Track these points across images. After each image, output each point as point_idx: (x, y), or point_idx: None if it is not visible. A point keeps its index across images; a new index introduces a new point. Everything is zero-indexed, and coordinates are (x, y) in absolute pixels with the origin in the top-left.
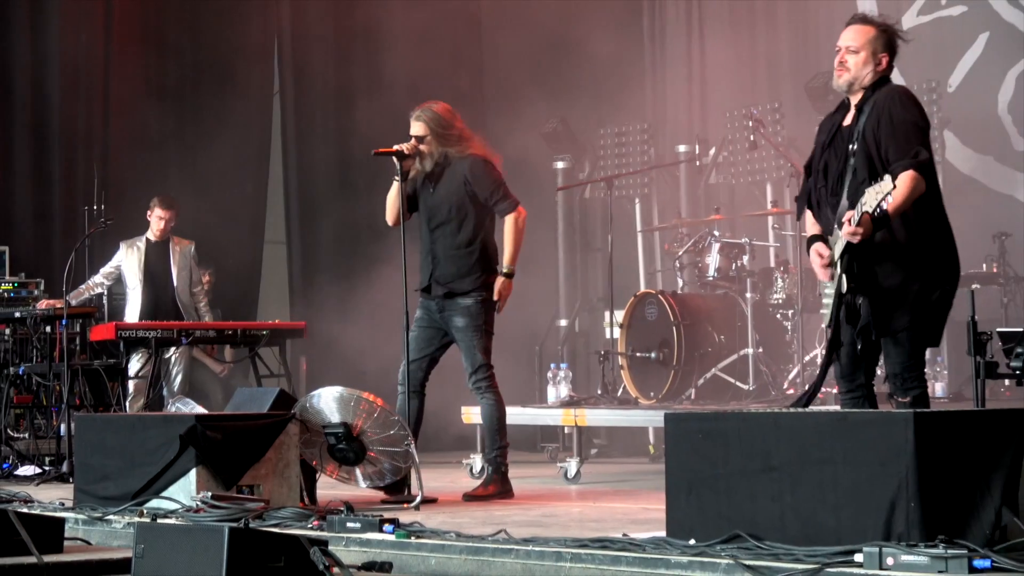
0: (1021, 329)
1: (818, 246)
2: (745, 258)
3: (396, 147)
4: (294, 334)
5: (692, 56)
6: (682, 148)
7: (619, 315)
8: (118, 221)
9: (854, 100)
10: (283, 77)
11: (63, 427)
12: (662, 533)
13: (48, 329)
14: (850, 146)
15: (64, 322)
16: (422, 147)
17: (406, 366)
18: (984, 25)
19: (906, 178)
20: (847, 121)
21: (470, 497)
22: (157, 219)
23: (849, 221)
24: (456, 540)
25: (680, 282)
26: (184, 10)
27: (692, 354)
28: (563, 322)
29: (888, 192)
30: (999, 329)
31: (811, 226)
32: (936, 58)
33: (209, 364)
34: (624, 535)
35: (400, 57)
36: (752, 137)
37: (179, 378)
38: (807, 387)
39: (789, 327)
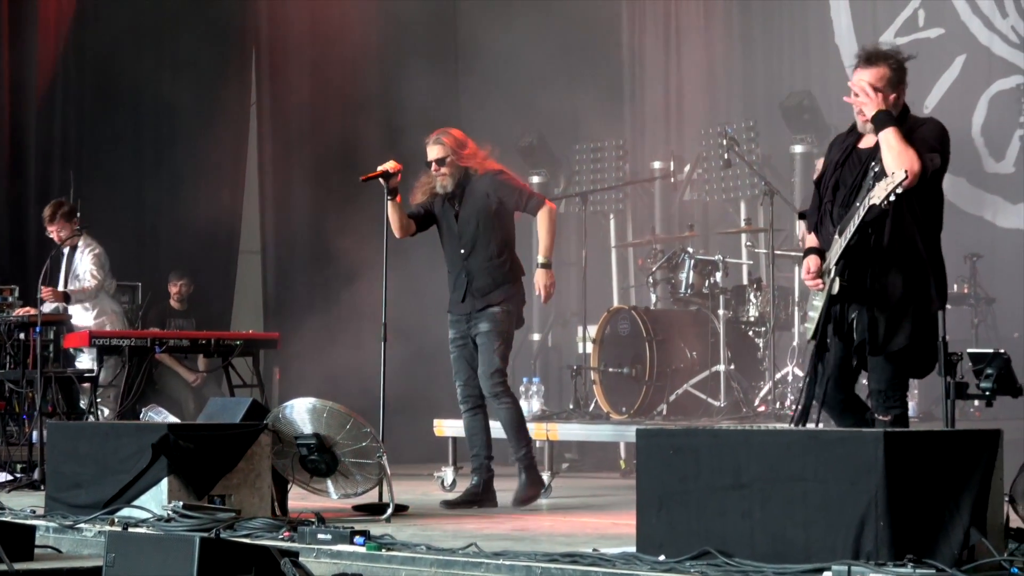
0: (991, 350)
1: (811, 257)
2: (718, 275)
3: (380, 168)
4: (268, 344)
5: (668, 74)
6: (657, 165)
7: (592, 330)
8: (92, 228)
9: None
10: (260, 88)
11: (35, 434)
12: (632, 548)
13: (22, 336)
14: (871, 163)
15: (39, 329)
16: (443, 169)
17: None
18: (961, 48)
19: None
20: (864, 144)
21: (519, 502)
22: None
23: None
24: (427, 553)
25: (653, 298)
26: (163, 20)
27: (664, 370)
28: (536, 336)
29: (899, 182)
30: (970, 350)
31: (810, 240)
32: (913, 79)
33: (182, 373)
34: (594, 550)
35: (376, 70)
36: (726, 155)
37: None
38: (798, 406)
39: (761, 344)
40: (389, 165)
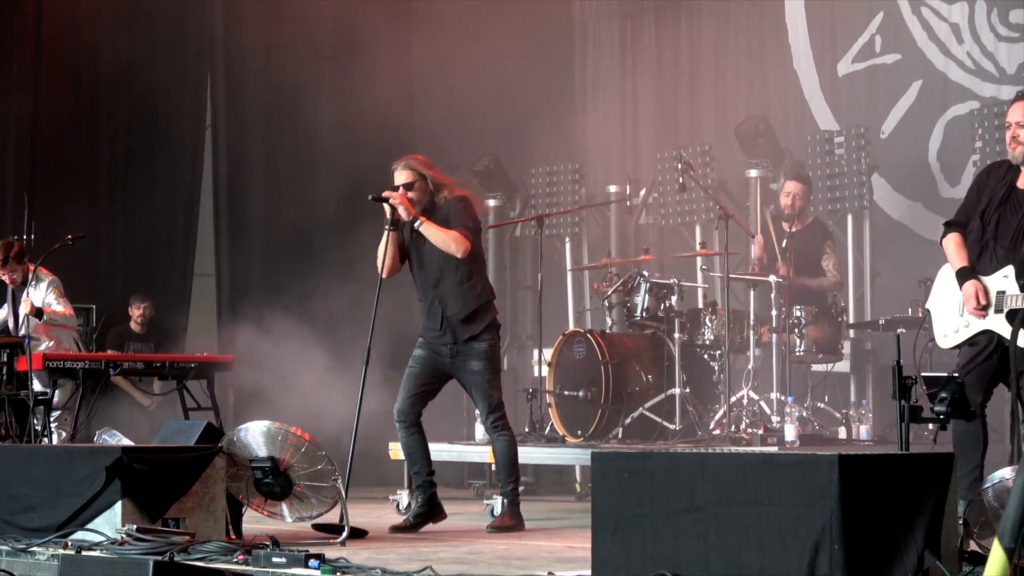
0: (945, 374)
1: (976, 284)
2: (674, 299)
3: (386, 194)
4: (222, 367)
5: (623, 97)
6: (612, 188)
7: (548, 353)
8: (50, 249)
9: None
10: (215, 110)
11: None
12: (587, 572)
13: None
14: None
15: None
16: (410, 194)
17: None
18: (917, 73)
19: None
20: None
21: (493, 529)
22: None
23: None
24: None
25: (609, 321)
26: (116, 41)
27: (620, 393)
28: None
29: None
30: (924, 374)
31: (962, 256)
32: (869, 105)
33: (137, 397)
34: (549, 573)
35: (332, 94)
36: (681, 179)
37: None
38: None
39: (716, 368)
40: (396, 197)
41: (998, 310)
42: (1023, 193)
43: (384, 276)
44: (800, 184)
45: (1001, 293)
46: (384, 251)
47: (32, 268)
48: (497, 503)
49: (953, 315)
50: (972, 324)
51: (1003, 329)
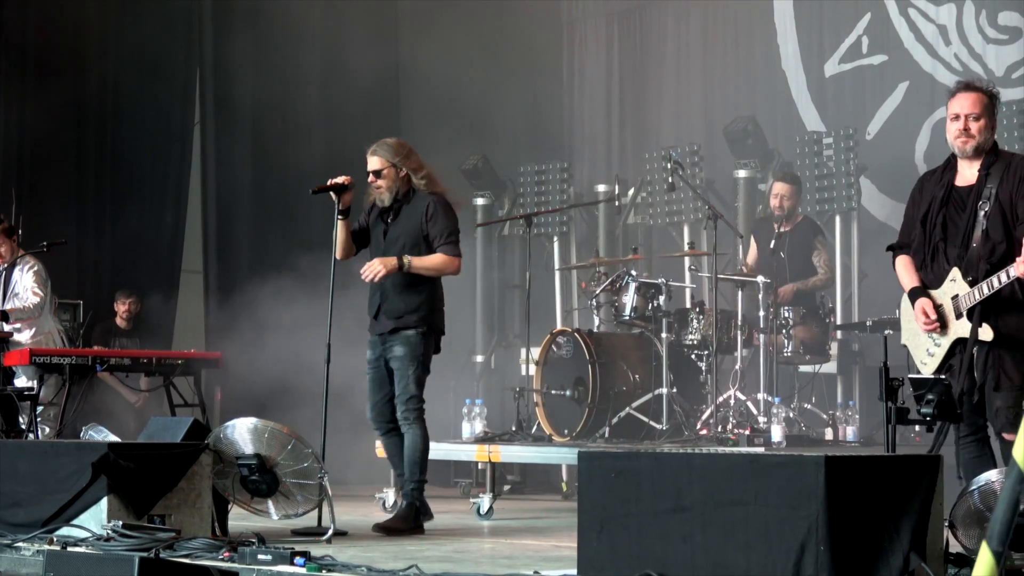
0: (932, 376)
1: (926, 301)
2: (661, 298)
3: (331, 181)
4: (209, 364)
5: (612, 97)
6: (601, 188)
7: (535, 352)
8: (33, 247)
9: (974, 163)
10: (204, 108)
11: None
12: (573, 571)
13: None
14: (979, 204)
15: None
16: (380, 181)
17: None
18: (904, 74)
19: None
20: (964, 181)
21: (380, 528)
22: None
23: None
24: (367, 574)
25: (596, 321)
26: (106, 38)
27: (607, 393)
28: (479, 358)
29: None
30: (910, 376)
31: (912, 277)
32: (856, 106)
33: (124, 392)
34: (535, 572)
35: (319, 91)
36: (670, 179)
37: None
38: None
39: (703, 368)
40: (341, 179)
41: (958, 316)
42: (965, 191)
43: (338, 258)
44: (788, 185)
45: (955, 298)
46: (336, 239)
47: (22, 252)
48: (389, 495)
49: (923, 338)
50: (942, 341)
51: (967, 332)
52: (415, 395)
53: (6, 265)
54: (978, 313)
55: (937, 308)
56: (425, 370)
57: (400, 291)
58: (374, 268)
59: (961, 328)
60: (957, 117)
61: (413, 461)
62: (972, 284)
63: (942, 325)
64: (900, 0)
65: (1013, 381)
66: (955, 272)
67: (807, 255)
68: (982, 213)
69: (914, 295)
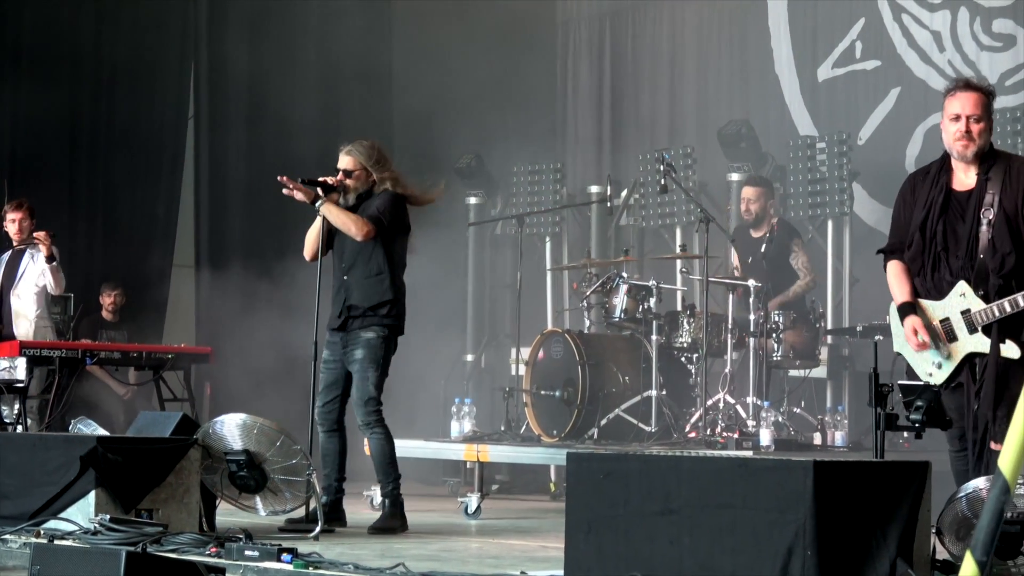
0: (921, 382)
1: (916, 320)
2: (652, 300)
3: (321, 179)
4: (199, 359)
5: (606, 98)
6: (594, 189)
7: (525, 352)
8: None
9: (972, 166)
10: (198, 103)
11: None
12: (560, 572)
13: None
14: (982, 211)
15: None
16: (348, 182)
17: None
18: (896, 80)
19: None
20: (962, 186)
21: (376, 530)
22: (9, 222)
23: None
24: (354, 572)
25: (587, 322)
26: (100, 30)
27: (596, 394)
28: (469, 357)
29: None
30: (900, 382)
31: (904, 287)
32: (848, 111)
33: (113, 386)
34: (522, 573)
35: (313, 87)
36: (663, 181)
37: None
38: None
39: (693, 370)
40: (331, 179)
41: (972, 331)
42: (964, 196)
43: (307, 258)
44: (754, 188)
45: (966, 312)
46: (312, 234)
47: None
48: (377, 493)
49: (930, 350)
50: (952, 354)
51: (987, 347)
52: (373, 397)
53: (12, 250)
54: (995, 330)
55: (942, 322)
56: (384, 373)
57: (361, 287)
58: (293, 183)
59: (975, 343)
60: (957, 118)
61: (385, 464)
62: (984, 299)
63: (936, 341)
64: (894, 6)
65: (1014, 392)
66: (963, 286)
67: (785, 259)
68: (986, 222)
69: (904, 310)
